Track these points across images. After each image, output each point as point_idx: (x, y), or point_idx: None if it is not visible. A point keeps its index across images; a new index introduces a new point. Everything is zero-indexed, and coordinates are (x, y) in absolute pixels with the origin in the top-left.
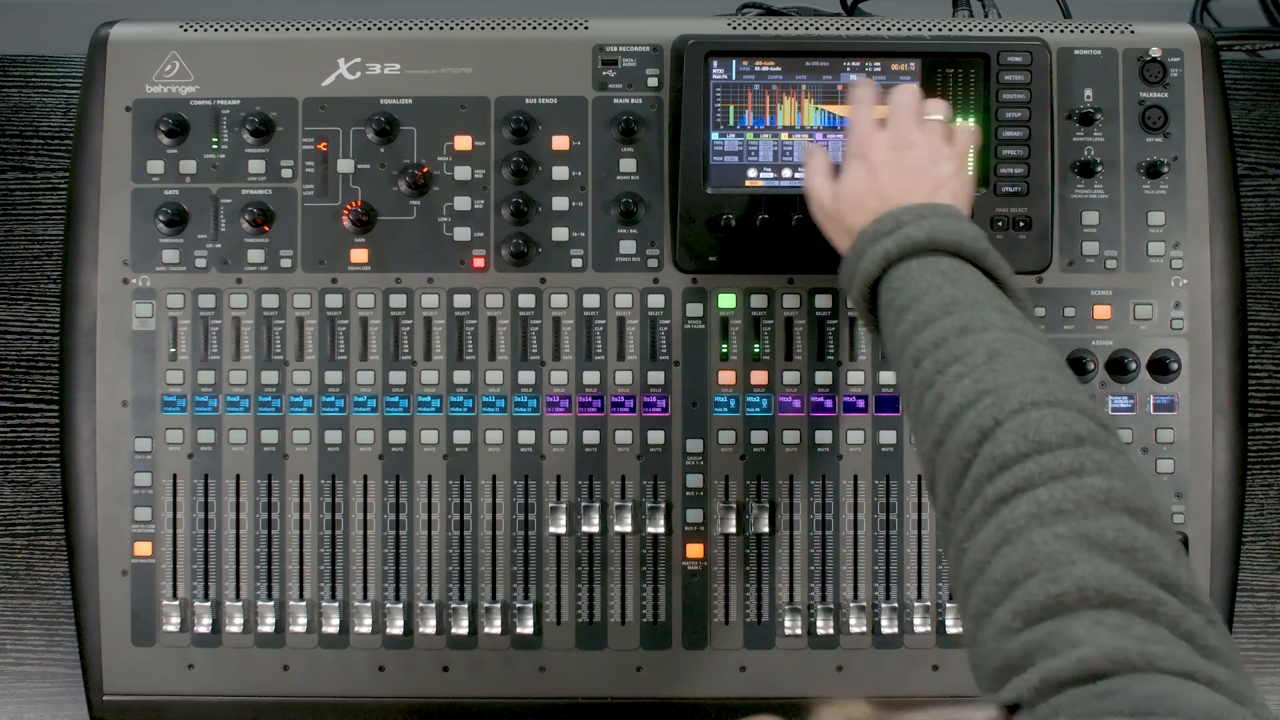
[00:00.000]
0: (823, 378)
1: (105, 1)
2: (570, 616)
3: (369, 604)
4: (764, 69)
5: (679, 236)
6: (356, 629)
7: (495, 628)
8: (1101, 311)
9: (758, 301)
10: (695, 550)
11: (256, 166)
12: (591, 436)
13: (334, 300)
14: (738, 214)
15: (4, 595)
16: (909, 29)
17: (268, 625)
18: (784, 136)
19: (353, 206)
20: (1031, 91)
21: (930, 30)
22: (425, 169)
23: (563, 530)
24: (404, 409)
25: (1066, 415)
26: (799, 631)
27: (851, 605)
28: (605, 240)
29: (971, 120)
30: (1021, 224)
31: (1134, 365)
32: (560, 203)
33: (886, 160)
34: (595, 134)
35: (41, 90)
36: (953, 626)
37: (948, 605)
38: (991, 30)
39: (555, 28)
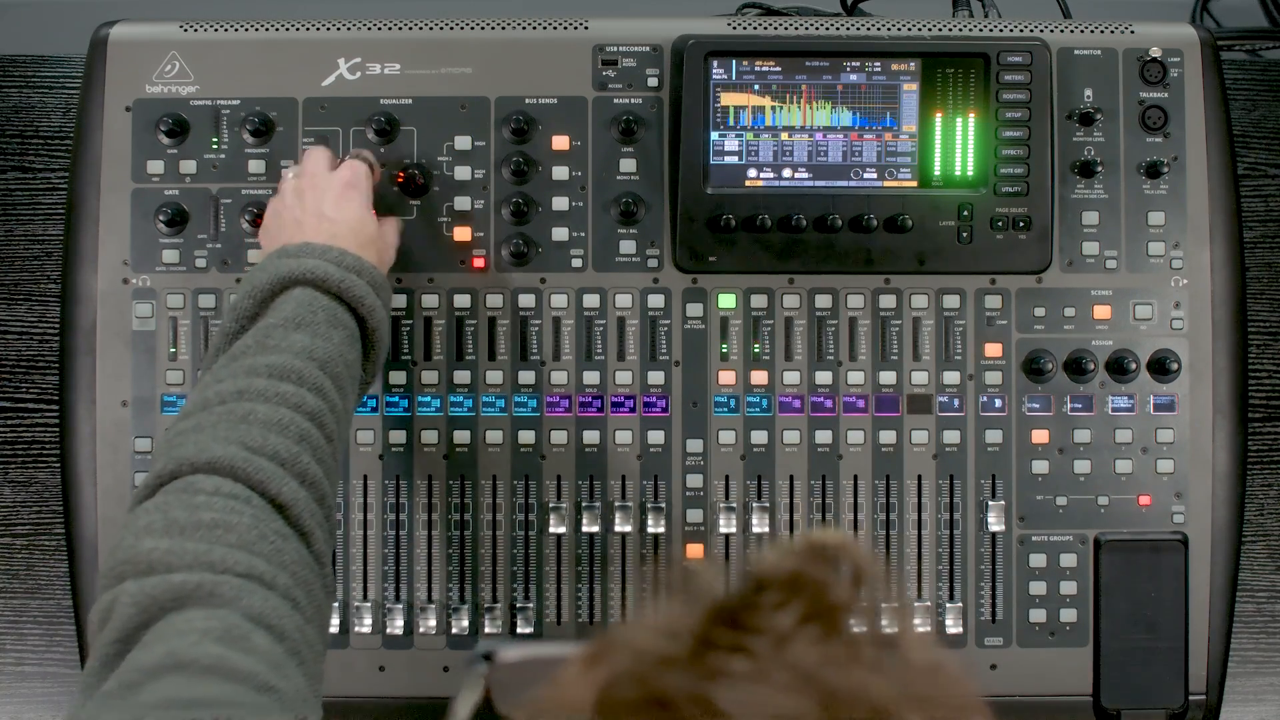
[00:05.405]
0: (823, 378)
1: (105, 1)
2: (570, 616)
3: (369, 604)
4: (764, 69)
5: (679, 236)
6: (356, 629)
7: (496, 627)
8: (1101, 311)
9: (758, 301)
10: (695, 550)
11: (256, 166)
12: (591, 436)
13: None
14: (738, 214)
15: (4, 595)
16: (909, 29)
17: None
18: (784, 136)
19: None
20: (1031, 91)
21: (930, 30)
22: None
23: (563, 530)
24: (404, 409)
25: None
26: None
27: None
28: (605, 240)
29: (972, 118)
30: (1021, 224)
31: (1134, 365)
32: (560, 203)
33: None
34: (595, 134)
35: (41, 90)
36: (953, 626)
37: (948, 605)
38: (991, 30)
39: (555, 28)
